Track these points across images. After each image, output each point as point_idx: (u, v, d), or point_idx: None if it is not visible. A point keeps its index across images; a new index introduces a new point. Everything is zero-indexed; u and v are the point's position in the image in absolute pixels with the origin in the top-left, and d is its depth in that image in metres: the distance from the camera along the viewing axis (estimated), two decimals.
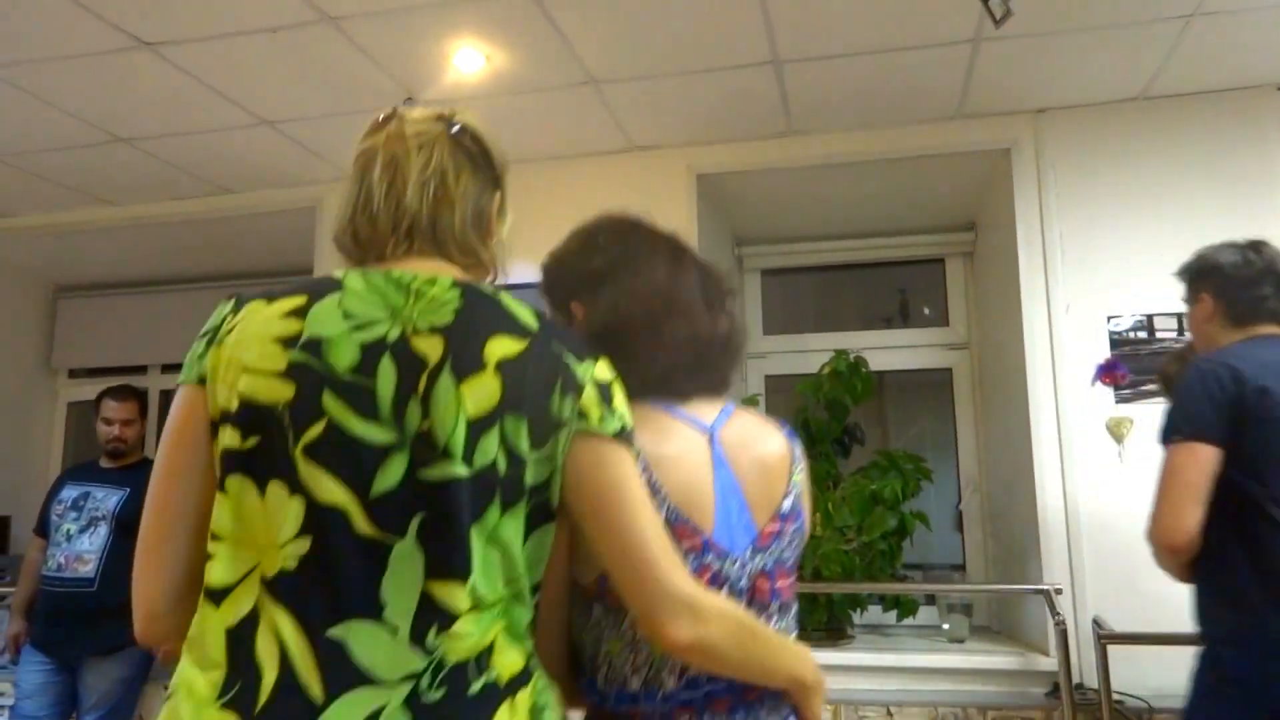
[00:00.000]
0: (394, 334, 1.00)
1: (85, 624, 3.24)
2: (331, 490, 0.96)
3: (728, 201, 3.78)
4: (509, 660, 0.99)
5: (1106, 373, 3.06)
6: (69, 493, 3.44)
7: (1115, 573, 2.95)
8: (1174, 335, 3.05)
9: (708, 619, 1.02)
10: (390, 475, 0.96)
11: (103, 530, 3.33)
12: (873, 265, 4.16)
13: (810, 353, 3.90)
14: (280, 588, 0.96)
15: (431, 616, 0.95)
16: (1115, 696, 2.74)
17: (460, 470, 0.96)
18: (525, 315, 1.06)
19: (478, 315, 1.03)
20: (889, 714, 2.95)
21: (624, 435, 1.05)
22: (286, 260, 4.35)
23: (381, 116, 1.17)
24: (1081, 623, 2.90)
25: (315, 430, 0.97)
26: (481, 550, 0.97)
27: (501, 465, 0.98)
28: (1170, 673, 2.86)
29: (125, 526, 3.34)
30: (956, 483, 3.90)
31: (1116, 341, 3.09)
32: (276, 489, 0.97)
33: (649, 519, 1.02)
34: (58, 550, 3.32)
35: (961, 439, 3.92)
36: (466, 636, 0.96)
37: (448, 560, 0.96)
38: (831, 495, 3.34)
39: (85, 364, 4.91)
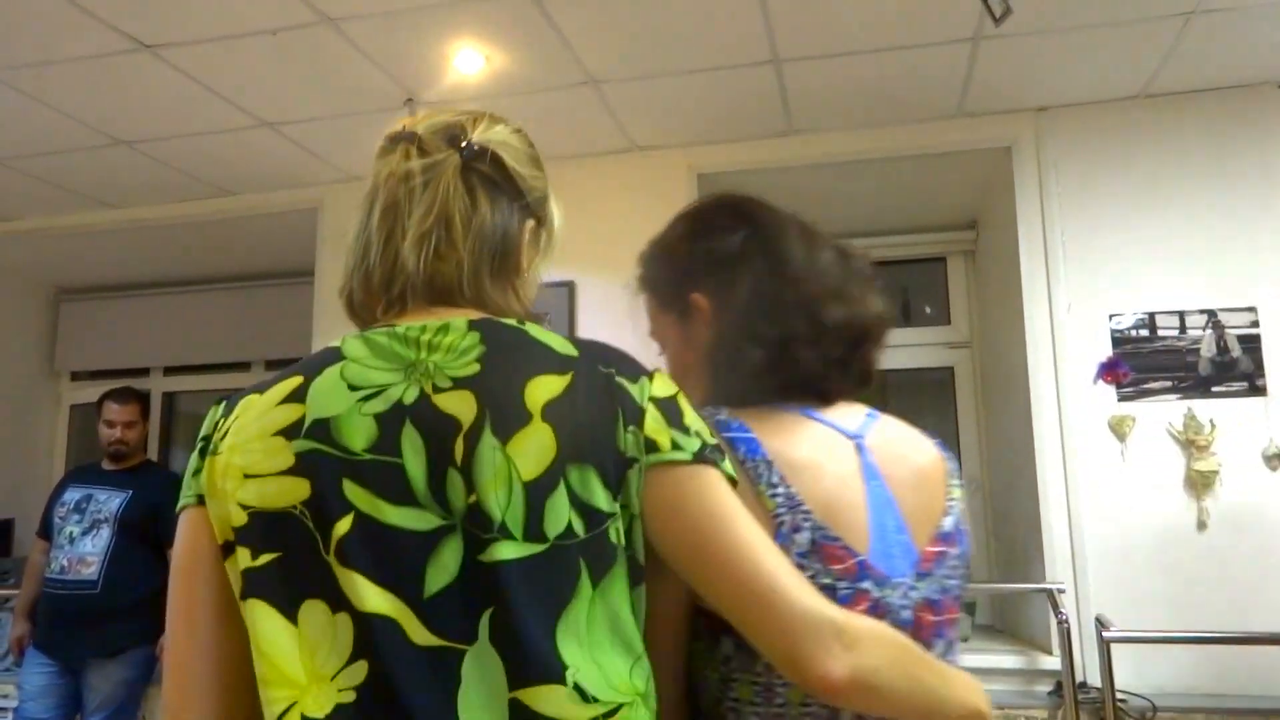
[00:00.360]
0: (411, 396, 0.85)
1: (88, 626, 3.25)
2: (375, 598, 0.79)
3: None
4: None
5: (1108, 371, 3.06)
6: (71, 495, 3.44)
7: (1118, 571, 2.95)
8: (1175, 333, 3.05)
9: (863, 644, 0.82)
10: (445, 567, 0.80)
11: (105, 532, 3.33)
12: (874, 264, 4.14)
13: None
14: None
15: None
16: (1119, 695, 2.73)
17: (524, 549, 0.79)
18: (560, 344, 0.89)
19: (507, 357, 0.87)
20: None
21: (705, 455, 0.87)
22: (287, 262, 4.36)
23: (391, 135, 0.99)
24: (1085, 621, 2.90)
25: (343, 527, 0.81)
26: (578, 637, 0.80)
27: (579, 529, 0.81)
28: (1173, 671, 2.86)
29: (128, 528, 3.35)
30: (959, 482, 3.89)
31: (1118, 340, 3.09)
32: (314, 609, 0.80)
33: (761, 543, 0.84)
34: (61, 553, 3.32)
35: (963, 438, 3.91)
36: None
37: (533, 661, 0.78)
38: None
39: (87, 366, 4.92)
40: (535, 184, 1.01)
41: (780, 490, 0.96)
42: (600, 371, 0.88)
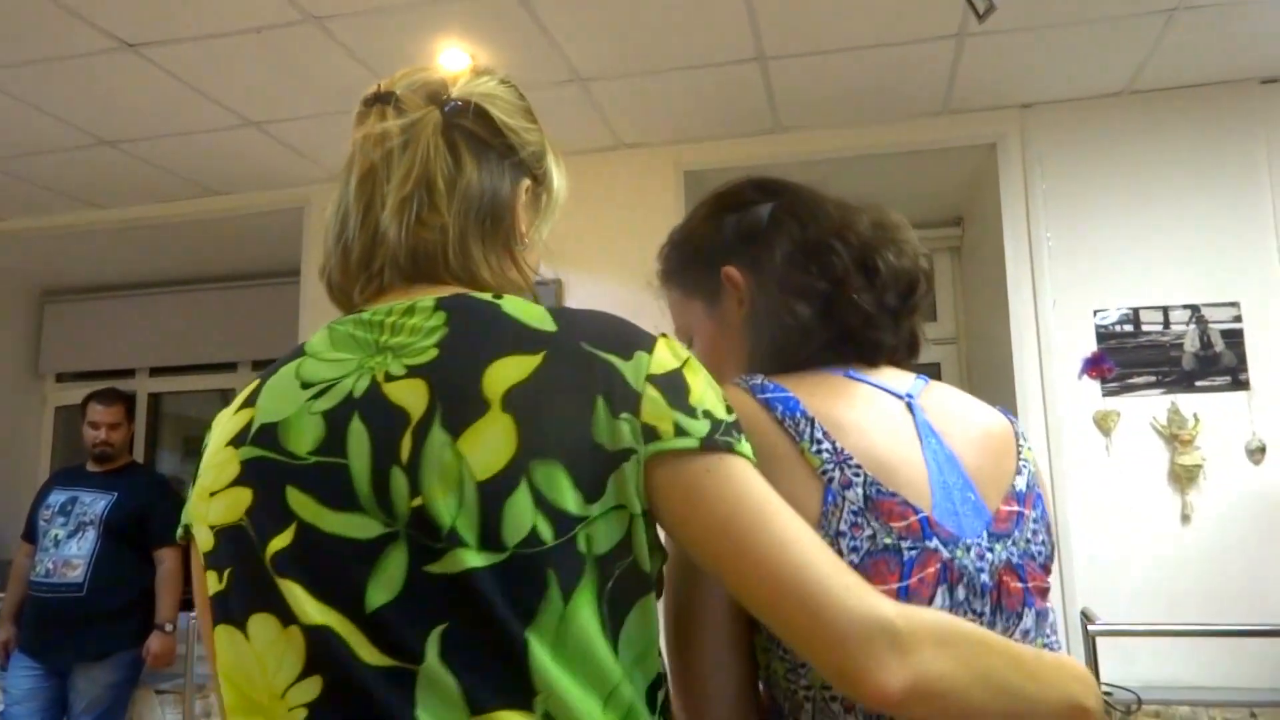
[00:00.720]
0: (361, 387, 0.75)
1: (74, 629, 3.23)
2: (316, 612, 0.71)
3: None
4: None
5: (1093, 366, 3.07)
6: (56, 497, 3.42)
7: (1103, 565, 2.97)
8: (1159, 328, 3.06)
9: (924, 647, 0.70)
10: (387, 580, 0.70)
11: (91, 535, 3.32)
12: None
13: None
14: None
15: None
16: (1104, 688, 2.75)
17: (481, 559, 0.69)
18: (537, 317, 0.77)
19: (469, 337, 0.76)
20: None
21: (716, 440, 0.74)
22: (274, 262, 4.34)
23: (367, 97, 0.89)
24: (1070, 615, 2.91)
25: (283, 539, 0.73)
26: (548, 658, 0.69)
27: (546, 534, 0.69)
28: (1159, 664, 2.88)
29: (113, 531, 3.33)
30: None
31: (1103, 335, 3.10)
32: (262, 623, 0.73)
33: (796, 536, 0.72)
34: (46, 555, 3.31)
35: None
36: None
37: (494, 683, 0.68)
38: None
39: (72, 368, 4.89)
40: (529, 138, 0.91)
41: (825, 445, 0.86)
42: (582, 349, 0.75)
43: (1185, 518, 2.94)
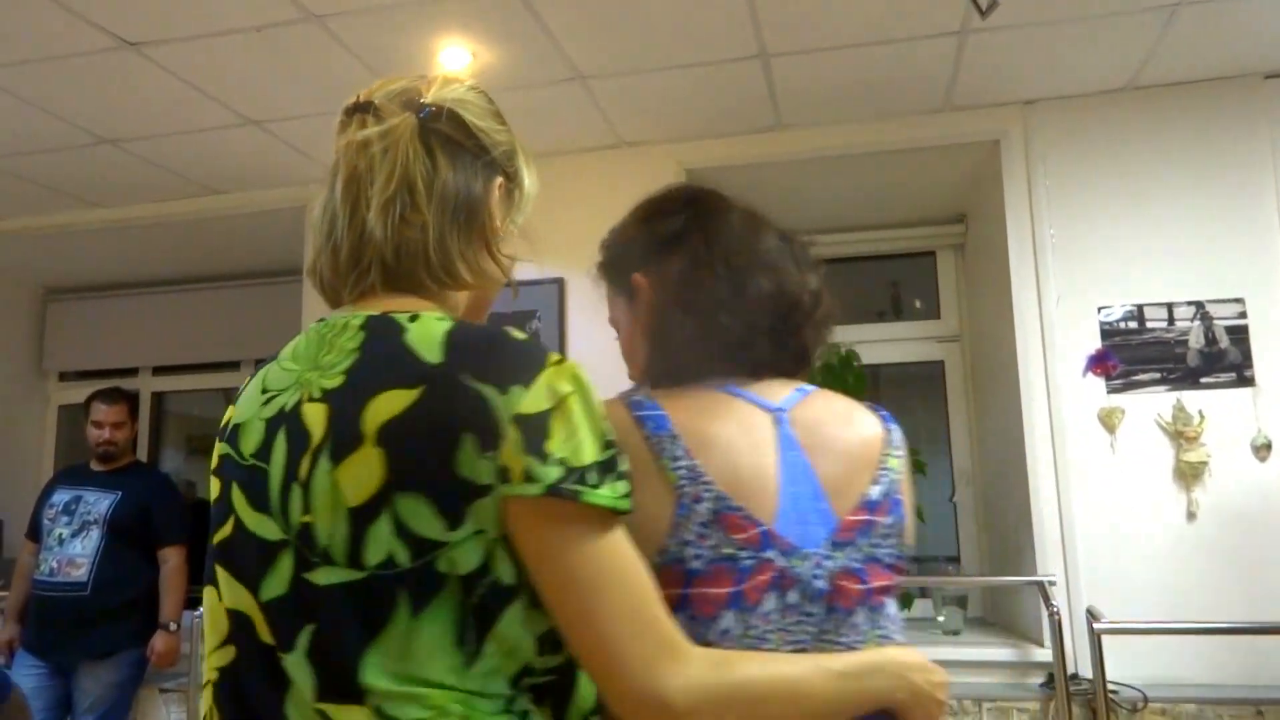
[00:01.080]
0: (291, 402, 0.86)
1: (79, 628, 3.23)
2: (236, 595, 0.85)
3: None
4: None
5: (1098, 363, 3.06)
6: (60, 496, 3.43)
7: (1109, 563, 2.96)
8: (1164, 325, 3.05)
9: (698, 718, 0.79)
10: (278, 579, 0.81)
11: (95, 534, 3.32)
12: (863, 259, 4.16)
13: None
14: (213, 699, 0.86)
15: None
16: (1110, 686, 2.74)
17: (344, 575, 0.78)
18: (427, 350, 0.82)
19: (369, 367, 0.83)
20: None
21: (564, 486, 0.78)
22: (276, 260, 4.34)
23: (347, 107, 0.97)
24: (1076, 613, 2.91)
25: (225, 529, 0.87)
26: (389, 664, 0.77)
27: (402, 559, 0.77)
28: (1165, 662, 2.87)
29: (117, 530, 3.33)
30: (950, 475, 3.90)
31: (1107, 332, 3.09)
32: (209, 595, 0.89)
33: (617, 592, 0.79)
34: (50, 554, 3.31)
35: (954, 431, 3.92)
36: None
37: (339, 681, 0.78)
38: None
39: (76, 367, 4.89)
40: (499, 138, 0.99)
41: (683, 463, 0.95)
42: (461, 384, 0.79)
43: (1191, 515, 2.93)
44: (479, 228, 0.95)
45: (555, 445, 0.79)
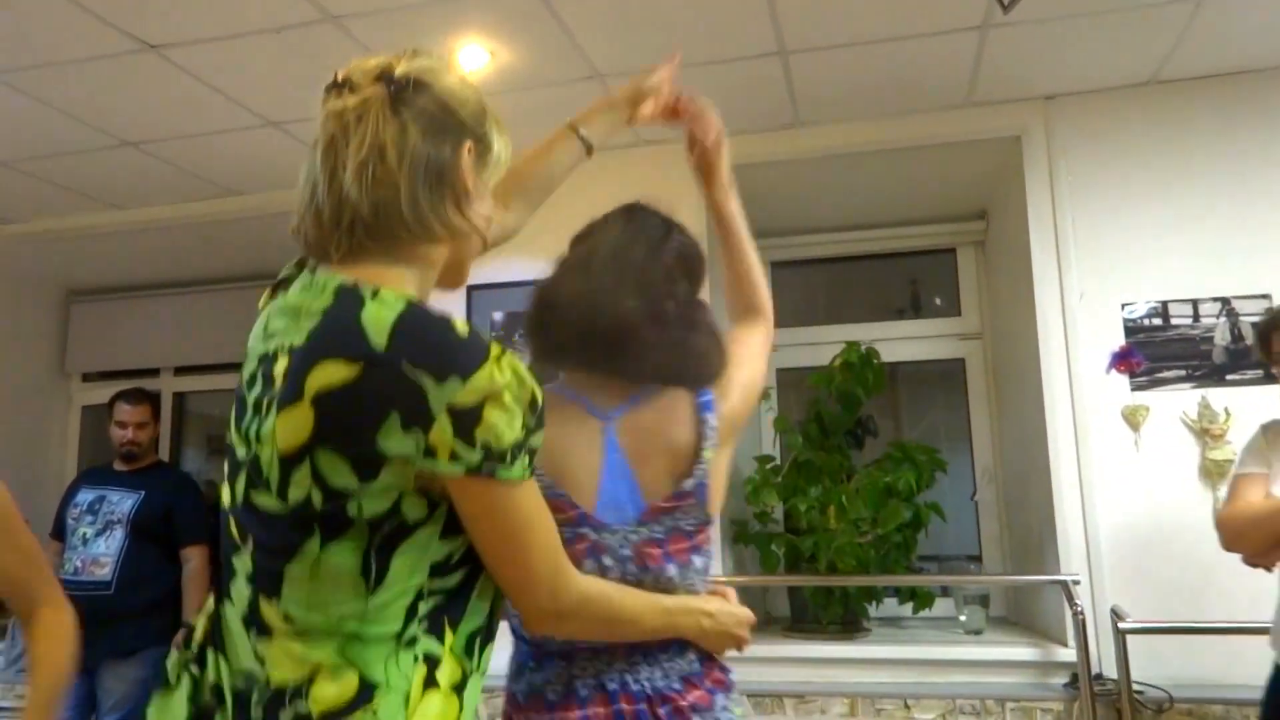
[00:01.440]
0: (272, 349, 1.02)
1: (103, 627, 3.25)
2: (225, 496, 1.05)
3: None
4: (329, 693, 0.94)
5: (1121, 360, 3.03)
6: (84, 496, 3.45)
7: (1133, 562, 2.93)
8: (1189, 322, 3.02)
9: (566, 621, 1.11)
10: (237, 490, 1.01)
11: (119, 534, 3.34)
12: (883, 256, 4.14)
13: (821, 345, 3.88)
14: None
15: (256, 623, 0.99)
16: (1135, 687, 2.72)
17: (273, 503, 0.96)
18: (375, 333, 0.93)
19: (324, 334, 0.96)
20: (906, 707, 2.94)
21: (482, 469, 0.94)
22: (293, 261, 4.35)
23: (328, 84, 1.07)
24: (1100, 613, 2.88)
25: (227, 438, 1.07)
26: (300, 579, 0.96)
27: (316, 501, 0.94)
28: (1190, 663, 2.84)
29: (140, 529, 3.36)
30: (971, 473, 3.87)
31: (1131, 329, 3.06)
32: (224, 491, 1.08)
33: (528, 540, 1.01)
34: (74, 554, 3.34)
35: (975, 429, 3.89)
36: (281, 662, 0.96)
37: (266, 578, 0.99)
38: (845, 488, 3.33)
39: (98, 367, 4.93)
40: (466, 104, 1.07)
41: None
42: (399, 371, 0.91)
43: (1217, 513, 2.89)
44: (450, 187, 1.04)
45: (481, 431, 0.93)
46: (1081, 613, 2.77)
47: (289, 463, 0.93)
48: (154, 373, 4.83)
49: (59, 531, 3.49)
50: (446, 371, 0.91)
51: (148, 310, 4.85)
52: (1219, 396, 2.95)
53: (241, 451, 1.01)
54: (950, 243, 4.04)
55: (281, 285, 1.12)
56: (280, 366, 0.97)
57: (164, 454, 4.53)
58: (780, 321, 4.58)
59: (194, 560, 3.43)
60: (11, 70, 2.88)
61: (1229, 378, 2.96)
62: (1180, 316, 3.03)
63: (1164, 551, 2.92)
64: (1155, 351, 3.03)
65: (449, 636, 1.00)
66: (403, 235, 1.02)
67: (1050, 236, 3.18)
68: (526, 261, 3.65)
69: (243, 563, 1.02)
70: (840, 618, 3.30)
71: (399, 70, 1.03)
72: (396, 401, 0.90)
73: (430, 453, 0.92)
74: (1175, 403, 2.99)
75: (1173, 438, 2.97)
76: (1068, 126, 3.23)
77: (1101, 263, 3.12)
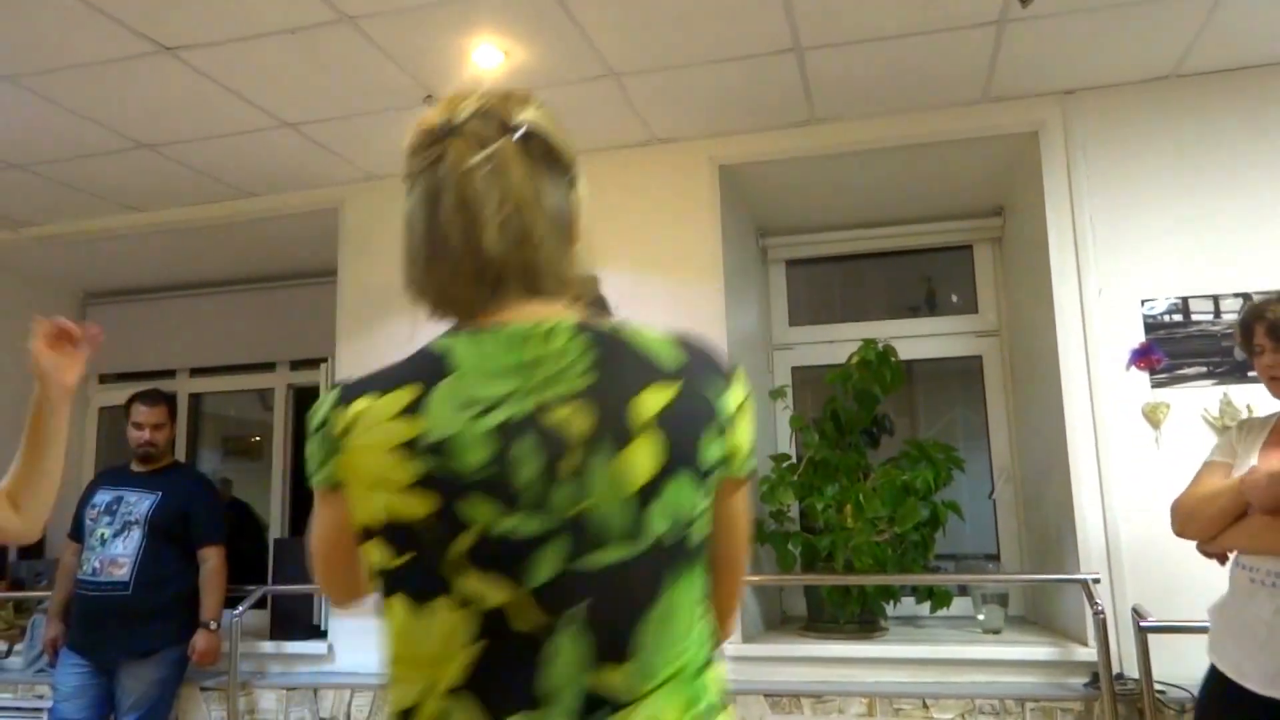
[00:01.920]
0: (524, 411, 0.92)
1: (121, 627, 3.27)
2: (493, 593, 0.90)
3: (751, 192, 3.74)
4: None
5: (1142, 357, 3.00)
6: (102, 497, 3.46)
7: (1155, 561, 2.90)
8: (1209, 317, 2.99)
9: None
10: (547, 566, 0.90)
11: (136, 534, 3.35)
12: (899, 253, 4.11)
13: (838, 343, 3.86)
14: (457, 695, 0.91)
15: (599, 704, 0.90)
16: (1157, 686, 2.69)
17: (624, 551, 0.90)
18: (667, 352, 0.97)
19: (619, 367, 0.94)
20: (925, 706, 2.92)
21: (750, 467, 1.02)
22: (310, 262, 4.36)
23: (430, 129, 1.01)
24: (1120, 612, 2.85)
25: (465, 541, 0.90)
26: (657, 625, 0.92)
27: (673, 531, 0.92)
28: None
29: (158, 530, 3.37)
30: (989, 471, 3.85)
31: (1151, 325, 3.03)
32: (440, 605, 0.92)
33: (747, 544, 1.07)
34: (92, 554, 3.35)
35: (993, 427, 3.87)
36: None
37: (611, 644, 0.90)
38: (862, 486, 3.31)
39: (115, 369, 4.95)
40: (570, 151, 1.05)
41: None
42: (701, 382, 0.96)
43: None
44: (571, 237, 1.04)
45: (745, 434, 1.00)
46: (1102, 612, 2.74)
47: (644, 499, 0.90)
48: (170, 374, 4.85)
49: (77, 532, 3.51)
50: (723, 381, 0.99)
51: (164, 312, 4.87)
52: (1241, 393, 2.92)
53: (537, 524, 0.89)
54: (967, 239, 4.01)
55: (362, 393, 0.97)
56: (569, 416, 0.91)
57: (180, 454, 4.55)
58: (795, 320, 4.59)
59: (211, 560, 3.43)
60: (28, 73, 2.89)
61: (1251, 374, 2.92)
62: (1201, 312, 3.00)
63: (1186, 549, 2.88)
64: (1176, 348, 3.00)
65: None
66: (546, 288, 0.99)
67: (1069, 232, 3.15)
68: None
69: (561, 648, 0.89)
70: (857, 617, 3.29)
71: (516, 118, 1.00)
72: (707, 412, 0.95)
73: (730, 459, 0.97)
74: (1196, 400, 2.96)
75: (1194, 435, 2.94)
76: (1086, 121, 3.20)
77: (1121, 258, 3.10)
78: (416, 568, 0.92)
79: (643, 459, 0.90)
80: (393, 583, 0.94)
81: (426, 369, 0.95)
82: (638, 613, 0.91)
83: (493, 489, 0.90)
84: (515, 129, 0.99)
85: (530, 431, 0.91)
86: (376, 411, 0.94)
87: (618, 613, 0.90)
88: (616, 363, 0.94)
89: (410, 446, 0.91)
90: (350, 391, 0.97)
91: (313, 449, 1.00)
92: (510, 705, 0.89)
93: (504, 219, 0.96)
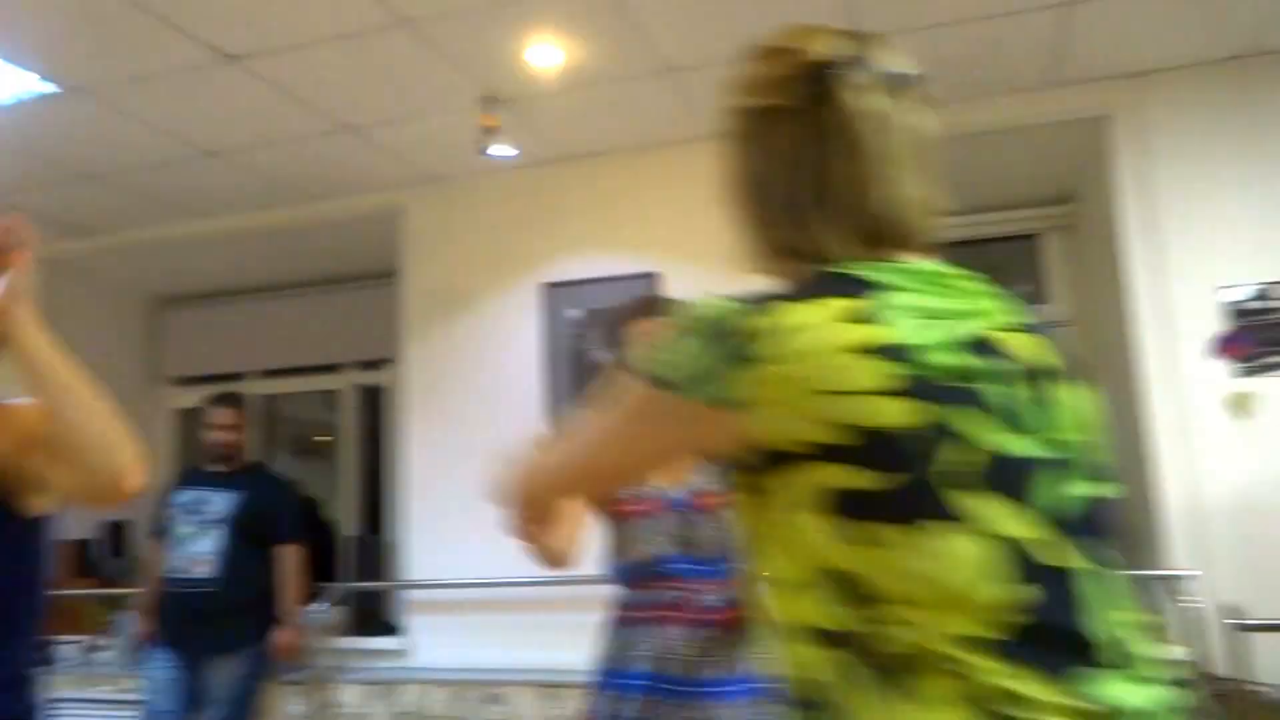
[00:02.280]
0: (985, 329, 0.85)
1: (206, 624, 3.35)
2: (1014, 524, 0.78)
3: None
4: None
5: (1226, 345, 2.90)
6: (183, 497, 3.54)
7: (1250, 556, 2.80)
8: None
9: None
10: (1062, 496, 0.81)
11: (218, 533, 3.43)
12: (961, 244, 4.01)
13: None
14: (1012, 650, 0.76)
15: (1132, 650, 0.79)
16: (1256, 687, 2.60)
17: (1106, 489, 0.86)
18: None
19: (1019, 308, 0.92)
20: None
21: None
22: (372, 264, 4.42)
23: (906, 74, 0.98)
24: (1207, 608, 2.76)
25: (971, 455, 0.78)
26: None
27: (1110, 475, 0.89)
28: None
29: (238, 529, 3.44)
30: None
31: (1229, 312, 2.93)
32: (952, 534, 0.77)
33: None
34: (176, 553, 3.43)
35: None
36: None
37: (1122, 586, 0.82)
38: None
39: (188, 372, 5.09)
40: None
41: None
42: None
43: None
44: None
45: None
46: (1194, 610, 2.66)
47: (1094, 436, 0.88)
48: (239, 376, 4.97)
49: (159, 531, 3.59)
50: None
51: (234, 315, 4.99)
52: None
53: (1039, 450, 0.81)
54: (1032, 228, 3.91)
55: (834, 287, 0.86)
56: (1025, 345, 0.87)
57: (252, 456, 4.64)
58: None
59: (289, 557, 3.50)
60: (102, 85, 2.97)
61: None
62: None
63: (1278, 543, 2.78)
64: (1256, 335, 2.89)
65: None
66: (915, 240, 0.96)
67: (1141, 219, 3.06)
68: (597, 259, 3.67)
69: (1098, 592, 0.79)
70: None
71: (900, 69, 0.99)
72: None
73: None
74: None
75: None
76: (1158, 104, 3.10)
77: (1196, 245, 3.00)
78: (911, 489, 0.78)
79: (1087, 398, 0.89)
80: (872, 509, 0.79)
81: (852, 288, 0.84)
82: (1112, 553, 0.84)
83: (990, 404, 0.80)
84: (902, 78, 0.97)
85: (997, 354, 0.84)
86: (816, 317, 0.81)
87: (1109, 554, 0.83)
88: (1013, 305, 0.92)
89: (878, 352, 0.79)
90: (762, 304, 0.84)
91: (705, 361, 0.83)
92: (1065, 658, 0.77)
93: (913, 166, 0.97)
